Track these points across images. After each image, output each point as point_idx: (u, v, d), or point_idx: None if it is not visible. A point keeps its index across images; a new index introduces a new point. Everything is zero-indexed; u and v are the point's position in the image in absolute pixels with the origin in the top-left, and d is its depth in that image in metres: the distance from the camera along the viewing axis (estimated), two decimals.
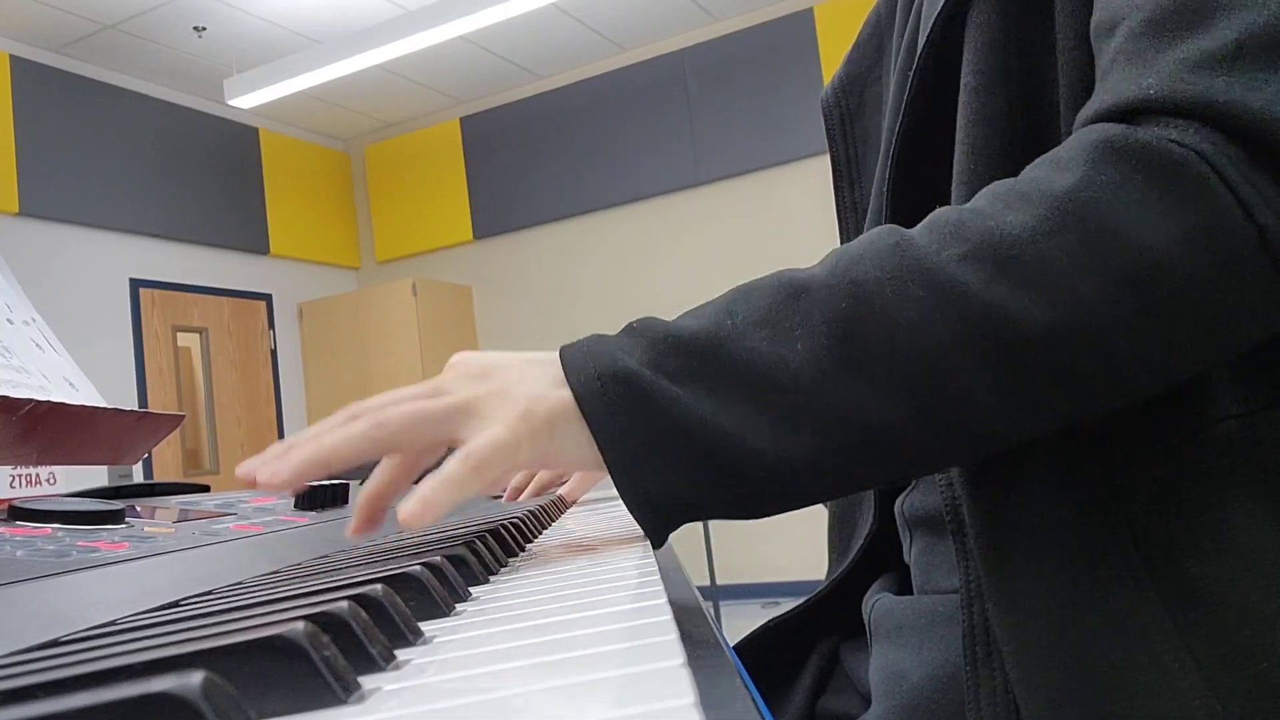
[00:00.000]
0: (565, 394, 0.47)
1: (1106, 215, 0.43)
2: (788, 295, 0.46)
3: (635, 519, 0.46)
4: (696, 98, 5.72)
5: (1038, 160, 0.47)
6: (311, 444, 0.48)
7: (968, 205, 0.47)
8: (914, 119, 0.60)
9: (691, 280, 5.67)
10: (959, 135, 0.56)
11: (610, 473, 0.45)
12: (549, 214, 6.13)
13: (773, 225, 5.50)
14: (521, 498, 1.00)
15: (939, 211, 0.47)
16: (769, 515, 0.47)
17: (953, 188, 0.55)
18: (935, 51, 0.58)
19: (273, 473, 0.47)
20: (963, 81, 0.56)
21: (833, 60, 5.33)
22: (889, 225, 0.48)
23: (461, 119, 6.39)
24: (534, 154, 6.16)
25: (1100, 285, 0.43)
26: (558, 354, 0.48)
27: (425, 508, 0.45)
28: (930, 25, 0.58)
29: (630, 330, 0.48)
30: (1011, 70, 0.54)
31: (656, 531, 0.47)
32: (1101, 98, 0.47)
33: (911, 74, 0.59)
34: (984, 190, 0.47)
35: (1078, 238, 0.43)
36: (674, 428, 0.44)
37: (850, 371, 0.44)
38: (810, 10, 5.46)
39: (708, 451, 0.44)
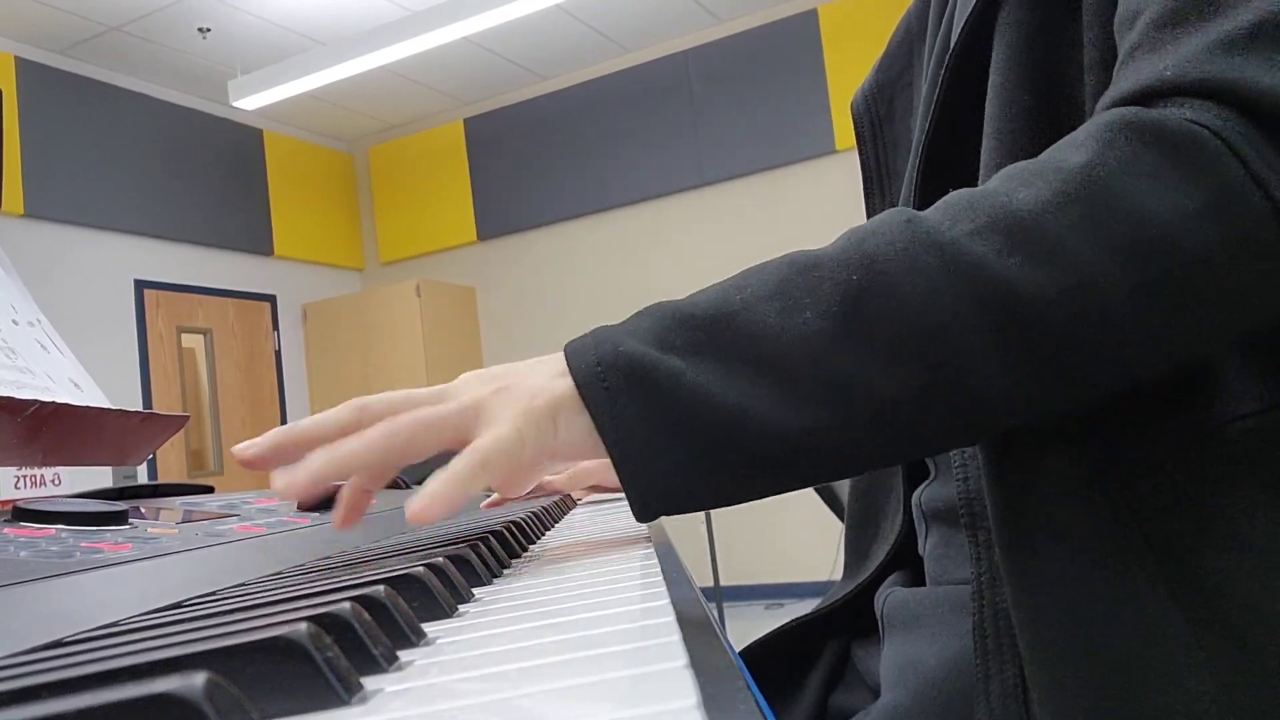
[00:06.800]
0: (566, 383, 0.47)
1: (1118, 189, 0.43)
2: (799, 269, 0.46)
3: (630, 500, 0.45)
4: (700, 99, 5.72)
5: (1055, 144, 0.47)
6: (326, 452, 0.48)
7: (981, 187, 0.47)
8: (944, 116, 0.60)
9: (695, 281, 5.61)
10: (986, 128, 0.56)
11: (611, 457, 0.45)
12: (553, 215, 6.13)
13: (777, 226, 5.50)
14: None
15: (952, 194, 0.48)
16: (771, 494, 0.47)
17: (979, 178, 0.55)
18: (966, 51, 0.58)
19: (289, 483, 0.48)
20: (991, 79, 0.56)
21: (837, 61, 5.34)
22: (899, 207, 0.48)
23: (465, 120, 6.40)
24: (538, 155, 6.16)
25: (1109, 259, 0.42)
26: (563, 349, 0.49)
27: (433, 502, 0.46)
28: (963, 24, 0.58)
29: (640, 313, 0.48)
30: (1038, 65, 0.55)
31: (649, 515, 0.46)
32: (1119, 84, 0.47)
33: (943, 72, 0.59)
34: (999, 173, 0.48)
35: (1089, 211, 0.43)
36: (676, 403, 0.44)
37: (857, 341, 0.44)
38: (814, 11, 5.45)
39: (710, 425, 0.43)
